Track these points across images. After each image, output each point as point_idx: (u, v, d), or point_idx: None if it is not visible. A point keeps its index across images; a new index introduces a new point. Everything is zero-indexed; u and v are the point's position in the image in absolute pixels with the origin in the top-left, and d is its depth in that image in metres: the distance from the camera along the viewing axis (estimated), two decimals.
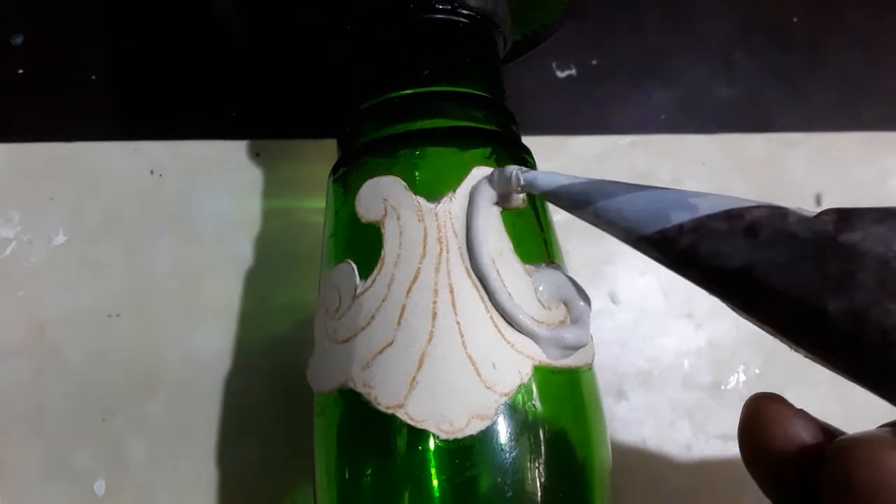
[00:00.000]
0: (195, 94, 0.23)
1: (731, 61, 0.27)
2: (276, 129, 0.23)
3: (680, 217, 0.11)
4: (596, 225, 0.13)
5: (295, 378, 0.21)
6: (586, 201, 0.13)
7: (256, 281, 0.22)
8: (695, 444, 0.22)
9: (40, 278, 0.21)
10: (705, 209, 0.11)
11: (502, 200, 0.15)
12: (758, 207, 0.11)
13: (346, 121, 0.18)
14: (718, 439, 0.22)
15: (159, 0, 0.24)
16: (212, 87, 0.23)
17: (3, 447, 0.20)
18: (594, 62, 0.26)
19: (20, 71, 0.23)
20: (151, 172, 0.22)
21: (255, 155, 0.23)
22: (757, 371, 0.23)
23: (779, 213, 0.11)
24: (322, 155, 0.23)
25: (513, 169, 0.14)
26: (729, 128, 0.26)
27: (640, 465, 0.22)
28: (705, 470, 0.22)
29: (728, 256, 0.11)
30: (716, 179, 0.25)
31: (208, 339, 0.21)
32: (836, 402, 0.23)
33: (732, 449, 0.22)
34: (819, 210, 0.11)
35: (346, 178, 0.17)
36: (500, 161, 0.16)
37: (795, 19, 0.28)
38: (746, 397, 0.23)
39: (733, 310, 0.11)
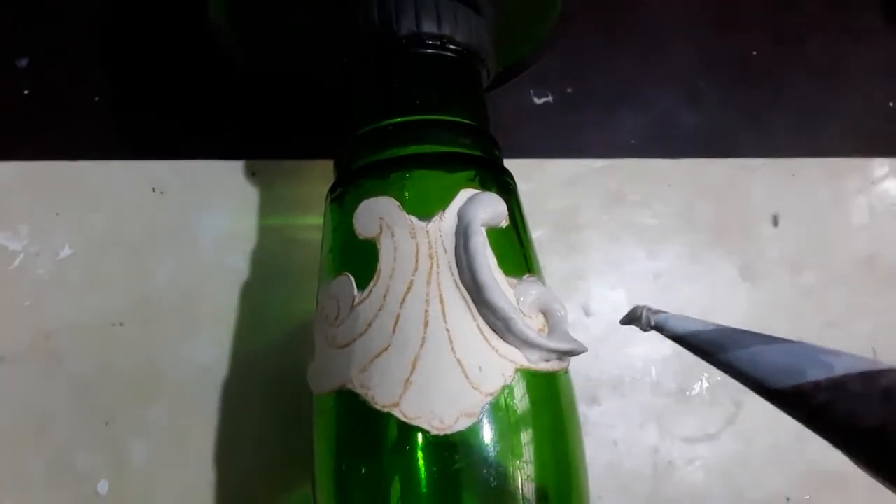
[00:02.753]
0: (194, 116, 0.24)
1: (696, 90, 0.29)
2: (271, 149, 0.24)
3: (816, 374, 0.12)
4: (725, 372, 0.14)
5: (289, 384, 0.22)
6: (719, 350, 0.13)
7: (252, 293, 0.23)
8: (662, 446, 0.24)
9: (46, 289, 0.22)
10: (841, 369, 0.12)
11: (488, 220, 0.17)
12: (892, 371, 0.12)
13: (342, 145, 0.19)
14: (684, 442, 0.24)
15: (160, 25, 0.25)
16: (210, 108, 0.25)
17: (10, 450, 0.21)
18: (569, 90, 0.28)
19: (26, 92, 0.24)
20: (153, 189, 0.23)
21: (252, 174, 0.24)
22: (719, 378, 0.25)
23: None
24: (315, 175, 0.24)
25: (643, 308, 0.14)
26: (693, 153, 0.28)
27: (612, 464, 0.23)
28: (671, 470, 0.24)
29: (863, 416, 0.11)
30: (681, 202, 0.26)
31: (207, 347, 0.22)
32: None
33: (696, 450, 0.24)
34: None
35: (343, 198, 0.18)
36: (483, 183, 0.18)
37: (755, 52, 0.30)
38: (710, 403, 0.24)
39: (862, 467, 0.12)
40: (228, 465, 0.22)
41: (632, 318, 0.15)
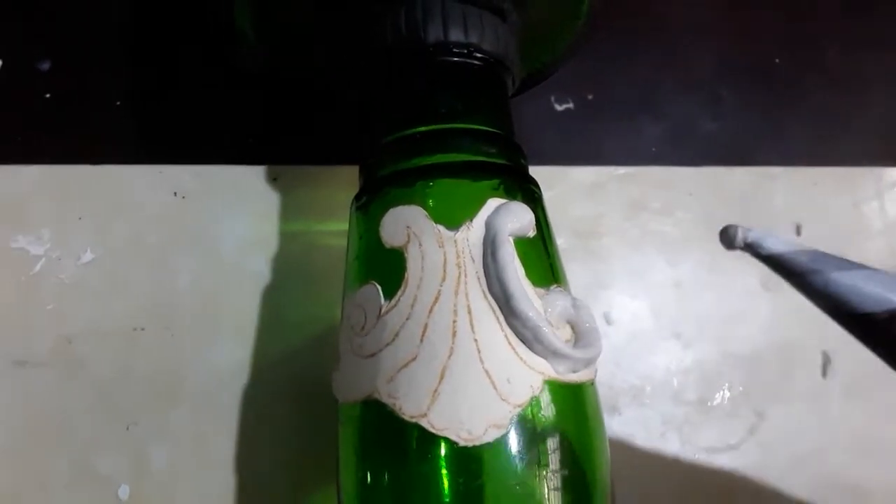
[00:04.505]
0: (216, 121, 0.24)
1: (716, 98, 0.29)
2: (292, 155, 0.24)
3: None
4: (811, 295, 0.14)
5: (309, 389, 0.22)
6: (812, 271, 0.13)
7: (273, 298, 0.23)
8: (683, 456, 0.24)
9: (68, 293, 0.22)
10: None
11: (516, 230, 0.17)
12: None
13: (367, 153, 0.19)
14: (704, 452, 0.24)
15: (182, 29, 0.25)
16: (232, 113, 0.25)
17: (32, 453, 0.21)
18: (590, 97, 0.28)
19: (47, 95, 0.24)
20: (175, 194, 0.23)
21: (273, 179, 0.24)
22: (741, 388, 0.25)
23: None
24: (336, 180, 0.24)
25: (737, 226, 0.14)
26: (714, 160, 0.28)
27: (632, 474, 0.23)
28: (692, 480, 0.23)
29: None
30: (702, 209, 0.26)
31: (227, 351, 0.22)
32: (812, 416, 0.25)
33: (717, 460, 0.24)
34: None
35: (368, 207, 0.18)
36: (509, 192, 0.18)
37: (777, 60, 0.30)
38: (731, 413, 0.24)
39: None
40: (249, 471, 0.22)
41: (725, 237, 0.15)
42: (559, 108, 0.28)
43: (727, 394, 0.25)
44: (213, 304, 0.23)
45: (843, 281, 0.13)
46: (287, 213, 0.24)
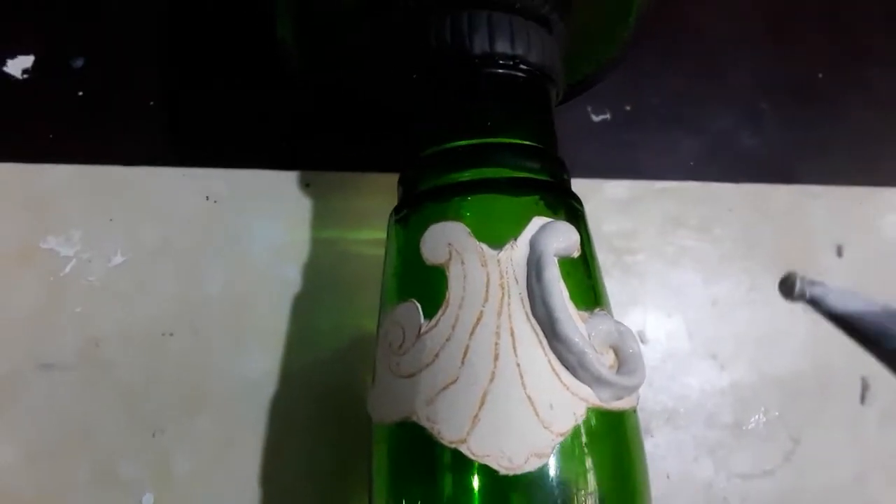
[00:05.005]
0: (249, 124, 0.24)
1: (756, 113, 0.28)
2: (325, 161, 0.24)
3: None
4: (889, 365, 0.12)
5: (336, 400, 0.22)
6: (888, 335, 0.12)
7: (303, 306, 0.22)
8: (716, 481, 0.23)
9: (98, 296, 0.22)
10: None
11: (561, 251, 0.16)
12: None
13: (407, 165, 0.19)
14: (738, 477, 0.23)
15: (219, 31, 0.25)
16: (265, 118, 0.24)
17: (56, 457, 0.21)
18: (627, 108, 0.27)
19: (80, 93, 0.24)
20: (207, 198, 0.23)
21: (306, 185, 0.24)
22: (777, 413, 0.24)
23: None
24: (369, 188, 0.24)
25: (797, 276, 0.13)
26: (752, 177, 0.27)
27: (665, 499, 0.23)
28: None
29: None
30: (741, 227, 0.26)
31: (255, 360, 0.22)
32: (849, 443, 0.24)
33: (752, 487, 0.23)
34: None
35: (408, 221, 0.18)
36: (552, 209, 0.17)
37: (820, 75, 0.29)
38: (766, 437, 0.24)
39: None
40: (273, 482, 0.21)
41: (784, 287, 0.14)
42: (596, 118, 0.27)
43: (763, 418, 0.24)
44: (243, 311, 0.22)
45: None
46: (319, 219, 0.23)
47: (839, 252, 0.26)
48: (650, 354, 0.24)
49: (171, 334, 0.22)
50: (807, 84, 0.29)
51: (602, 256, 0.24)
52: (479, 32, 0.18)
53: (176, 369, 0.22)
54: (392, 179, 0.23)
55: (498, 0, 0.18)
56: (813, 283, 0.13)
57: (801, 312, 0.25)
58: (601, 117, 0.27)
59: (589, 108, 0.27)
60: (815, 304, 0.13)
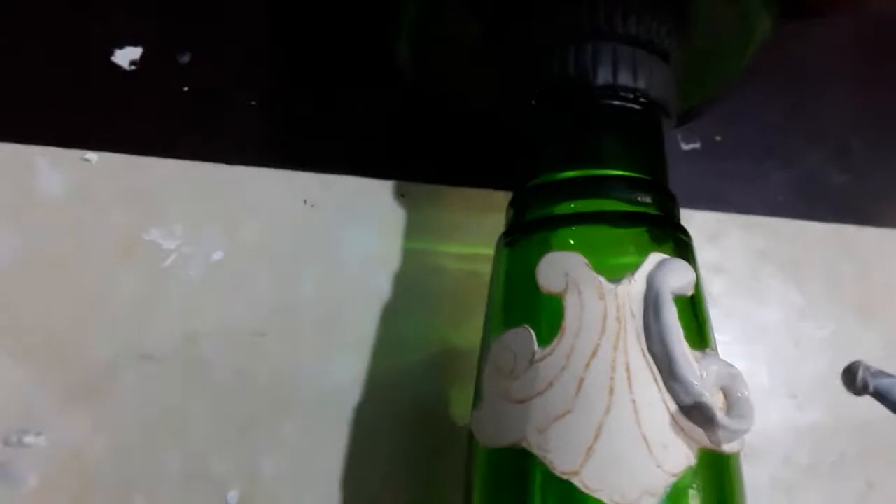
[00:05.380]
0: (351, 131, 0.24)
1: (846, 149, 0.28)
2: (421, 173, 0.24)
3: None
4: None
5: (420, 410, 0.22)
6: None
7: (392, 315, 0.23)
8: None
9: (196, 291, 0.22)
10: None
11: (678, 290, 0.16)
12: None
13: (519, 191, 0.19)
14: None
15: (326, 35, 0.25)
16: (367, 125, 0.25)
17: (147, 447, 0.21)
18: (717, 138, 0.27)
19: (185, 89, 0.25)
20: (305, 202, 0.23)
21: (401, 195, 0.24)
22: (852, 456, 0.24)
23: None
24: (463, 202, 0.24)
25: (860, 365, 0.13)
26: (842, 216, 0.27)
27: None
28: None
29: None
30: (828, 268, 0.25)
31: (343, 366, 0.22)
32: None
33: None
34: None
35: (517, 246, 0.18)
36: (662, 243, 0.17)
37: None
38: (843, 480, 0.24)
39: None
40: (354, 487, 0.21)
41: (847, 377, 0.13)
42: (686, 147, 0.27)
43: (839, 460, 0.24)
44: (333, 316, 0.23)
45: None
46: (412, 230, 0.24)
47: None
48: None
49: (263, 335, 0.22)
50: None
51: None
52: (604, 64, 0.18)
53: (266, 371, 0.22)
54: (486, 195, 0.23)
55: (623, 32, 0.18)
56: (877, 374, 0.13)
57: (887, 359, 0.25)
58: (691, 146, 0.27)
59: (679, 137, 0.27)
60: (881, 397, 0.12)
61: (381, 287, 0.23)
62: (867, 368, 0.13)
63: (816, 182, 0.27)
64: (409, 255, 0.23)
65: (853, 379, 0.13)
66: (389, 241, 0.23)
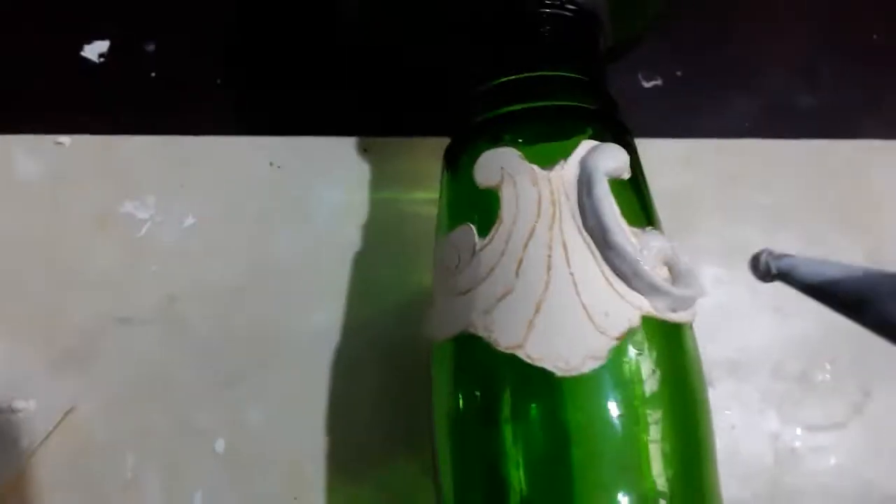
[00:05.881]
0: (309, 95, 0.25)
1: (812, 72, 0.28)
2: (382, 126, 0.25)
3: None
4: (875, 330, 0.11)
5: (398, 349, 0.22)
6: (866, 302, 0.11)
7: (365, 263, 0.23)
8: (784, 433, 0.23)
9: (172, 256, 0.23)
10: None
11: (611, 171, 0.16)
12: None
13: (459, 103, 0.19)
14: (806, 429, 0.23)
15: (276, 8, 0.26)
16: (324, 88, 0.25)
17: (135, 407, 0.22)
18: (679, 73, 0.27)
19: (153, 74, 0.26)
20: (271, 164, 0.24)
21: (364, 150, 0.24)
22: (845, 364, 0.23)
23: None
24: (423, 152, 0.24)
25: (764, 252, 0.13)
26: (810, 135, 0.27)
27: (729, 449, 0.22)
28: (792, 459, 0.22)
29: None
30: (803, 183, 0.25)
31: (321, 315, 0.23)
32: None
33: (822, 439, 0.23)
34: None
35: (460, 154, 0.18)
36: (601, 137, 0.17)
37: (874, 36, 0.29)
38: (836, 389, 0.23)
39: None
40: (340, 428, 0.22)
41: (754, 267, 0.13)
42: (647, 84, 0.27)
43: (831, 369, 0.23)
44: (309, 269, 0.23)
45: None
46: (377, 182, 0.24)
47: None
48: (711, 308, 0.24)
49: (241, 291, 0.23)
50: (862, 43, 0.28)
51: (659, 212, 0.25)
52: None
53: (246, 323, 0.22)
54: (445, 143, 0.24)
55: None
56: (779, 256, 0.12)
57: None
58: (652, 83, 0.27)
59: (640, 75, 0.27)
60: (786, 277, 0.12)
61: (352, 237, 0.24)
62: (770, 253, 0.13)
63: (784, 106, 0.27)
64: (376, 205, 0.24)
65: (757, 265, 0.13)
66: (356, 194, 0.24)
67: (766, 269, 0.13)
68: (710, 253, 0.25)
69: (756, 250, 0.24)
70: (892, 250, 0.25)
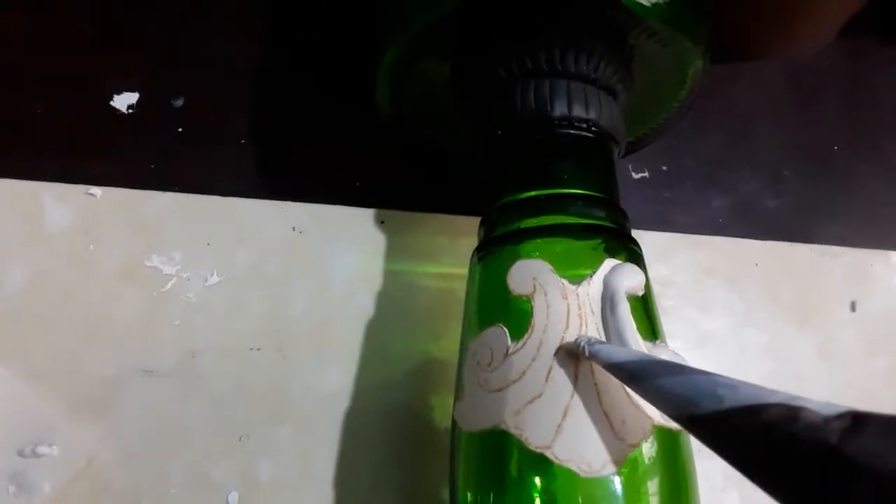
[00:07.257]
0: (333, 164, 0.27)
1: (779, 177, 0.31)
2: (399, 200, 0.27)
3: (708, 406, 0.12)
4: (650, 402, 0.14)
5: (404, 416, 0.24)
6: (639, 380, 0.14)
7: (376, 330, 0.25)
8: None
9: (194, 311, 0.24)
10: (730, 402, 0.12)
11: (630, 289, 0.19)
12: (777, 406, 0.11)
13: (488, 211, 0.21)
14: None
15: (309, 76, 0.28)
16: (348, 158, 0.27)
17: (151, 457, 0.23)
18: (664, 167, 0.30)
19: (180, 129, 0.27)
20: (293, 229, 0.26)
21: (381, 222, 0.26)
22: None
23: (792, 414, 0.10)
24: (437, 227, 0.26)
25: (583, 339, 0.17)
26: (775, 236, 0.30)
27: None
28: None
29: (744, 449, 0.11)
30: (766, 281, 0.28)
31: (333, 376, 0.24)
32: None
33: None
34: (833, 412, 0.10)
35: (489, 259, 0.20)
36: (615, 252, 0.20)
37: (836, 147, 0.32)
38: None
39: None
40: (347, 487, 0.23)
41: (574, 347, 0.17)
42: (636, 175, 0.30)
43: None
44: (322, 332, 0.25)
45: (660, 388, 0.13)
46: (392, 253, 0.26)
47: (853, 307, 0.29)
48: None
49: (258, 349, 0.24)
50: (824, 154, 0.32)
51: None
52: (560, 99, 0.21)
53: (261, 382, 0.24)
54: (458, 220, 0.26)
55: (575, 72, 0.21)
56: (593, 342, 0.17)
57: (819, 360, 0.28)
58: (640, 175, 0.30)
59: (630, 167, 0.30)
60: (594, 358, 0.16)
61: (365, 305, 0.25)
62: (587, 339, 0.17)
63: (752, 207, 0.30)
64: (389, 276, 0.26)
65: (577, 348, 0.17)
66: (371, 264, 0.26)
67: (582, 351, 0.17)
68: (683, 340, 0.27)
69: (723, 343, 0.27)
70: (840, 348, 0.28)
